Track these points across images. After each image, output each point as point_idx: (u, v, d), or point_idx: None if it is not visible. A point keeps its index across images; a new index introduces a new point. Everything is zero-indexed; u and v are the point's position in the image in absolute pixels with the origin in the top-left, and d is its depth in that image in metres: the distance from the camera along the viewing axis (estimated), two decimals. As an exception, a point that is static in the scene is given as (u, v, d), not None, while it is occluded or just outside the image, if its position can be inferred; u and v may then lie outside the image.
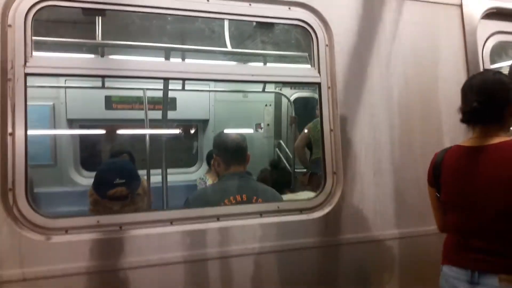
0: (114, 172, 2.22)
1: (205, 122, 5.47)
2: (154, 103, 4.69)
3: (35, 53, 1.79)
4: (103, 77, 1.95)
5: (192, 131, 5.71)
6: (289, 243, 2.13)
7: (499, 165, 1.74)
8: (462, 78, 2.50)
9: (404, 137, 2.38)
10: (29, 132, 1.75)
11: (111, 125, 4.92)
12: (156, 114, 4.63)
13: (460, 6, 2.56)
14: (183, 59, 3.02)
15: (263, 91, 4.87)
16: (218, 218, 2.05)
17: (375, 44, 2.35)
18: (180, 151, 5.60)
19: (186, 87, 4.40)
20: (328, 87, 2.24)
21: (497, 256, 1.75)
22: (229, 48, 2.49)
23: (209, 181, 4.91)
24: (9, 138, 1.71)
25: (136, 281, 1.88)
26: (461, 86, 1.93)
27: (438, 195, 1.98)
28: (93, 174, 4.89)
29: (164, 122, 4.30)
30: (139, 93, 4.40)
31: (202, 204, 2.36)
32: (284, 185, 3.33)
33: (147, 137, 4.09)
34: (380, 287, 2.33)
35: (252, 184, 2.49)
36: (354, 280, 2.26)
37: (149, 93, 4.33)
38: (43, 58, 1.81)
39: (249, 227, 2.08)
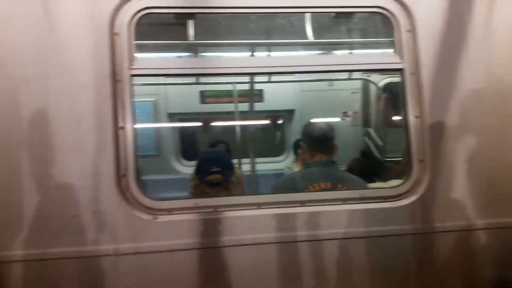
0: (212, 160, 2.47)
1: (291, 112, 5.58)
2: (244, 96, 4.93)
3: (138, 56, 2.05)
4: (198, 75, 2.16)
5: (279, 122, 5.86)
6: (373, 230, 2.15)
7: None
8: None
9: (497, 123, 2.23)
10: (136, 125, 2.03)
11: (206, 118, 5.29)
12: (246, 107, 4.87)
13: None
14: (268, 54, 3.16)
15: (349, 78, 4.81)
16: (303, 203, 2.15)
17: (462, 26, 2.22)
18: (267, 141, 5.80)
19: (272, 79, 4.54)
20: (412, 73, 2.19)
21: None
22: (310, 39, 2.56)
23: (296, 170, 5.04)
24: (120, 131, 2.00)
25: (229, 259, 2.06)
26: None
27: None
28: (192, 163, 5.39)
29: (252, 114, 4.51)
30: (230, 87, 4.66)
31: (287, 189, 2.49)
32: (374, 174, 3.31)
33: (237, 128, 4.33)
34: (469, 276, 2.23)
35: (337, 173, 2.56)
36: (439, 269, 2.20)
37: (239, 87, 4.57)
38: (145, 60, 2.08)
39: (333, 214, 2.14)
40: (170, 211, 2.04)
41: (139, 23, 2.04)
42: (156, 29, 2.44)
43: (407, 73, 2.19)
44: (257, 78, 4.24)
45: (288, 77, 4.88)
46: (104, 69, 1.98)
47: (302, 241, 2.12)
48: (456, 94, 2.21)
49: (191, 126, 5.61)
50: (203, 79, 4.52)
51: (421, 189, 2.18)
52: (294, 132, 5.43)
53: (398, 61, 2.20)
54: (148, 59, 2.12)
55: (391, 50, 2.27)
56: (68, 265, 1.96)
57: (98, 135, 1.97)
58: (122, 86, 2.00)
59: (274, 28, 2.94)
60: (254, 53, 2.68)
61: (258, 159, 4.91)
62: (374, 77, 5.17)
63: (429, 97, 2.19)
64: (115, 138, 1.99)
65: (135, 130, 2.03)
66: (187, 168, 5.42)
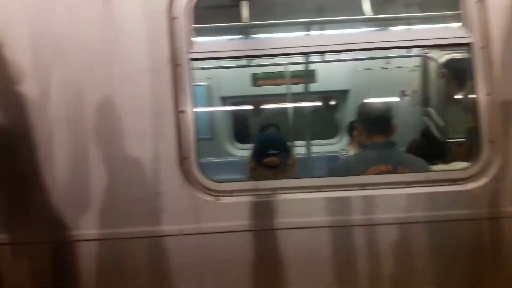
0: (269, 143, 2.48)
1: (345, 92, 5.43)
2: (296, 77, 4.87)
3: (196, 39, 2.07)
4: (256, 57, 2.16)
5: (332, 103, 5.74)
6: (439, 214, 2.07)
7: None
8: None
9: None
10: (196, 109, 2.07)
11: (258, 101, 5.30)
12: (298, 88, 4.81)
13: None
14: (323, 32, 3.07)
15: (408, 55, 4.58)
16: (363, 186, 2.10)
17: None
18: (320, 123, 5.70)
19: (326, 58, 4.43)
20: (482, 47, 2.04)
21: None
22: (369, 15, 2.45)
23: (351, 153, 4.92)
24: (181, 115, 2.05)
25: (286, 241, 2.08)
26: None
27: None
28: (245, 146, 5.44)
29: (304, 95, 4.45)
30: (281, 69, 4.61)
31: (345, 172, 2.44)
32: (436, 156, 3.16)
33: (290, 110, 4.29)
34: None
35: (397, 154, 2.47)
36: (509, 257, 2.08)
37: (291, 68, 4.51)
38: (203, 44, 2.10)
39: (396, 197, 2.08)
40: (230, 192, 2.08)
41: (196, 6, 2.05)
42: (211, 12, 2.44)
43: (477, 48, 2.04)
44: (310, 58, 4.14)
45: (341, 56, 4.72)
46: (163, 54, 2.03)
47: (363, 225, 2.08)
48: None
49: (244, 110, 5.64)
50: (254, 62, 4.50)
51: (491, 172, 2.06)
52: (348, 113, 5.29)
53: (466, 35, 2.06)
54: (206, 42, 2.14)
55: (457, 24, 2.13)
56: (135, 244, 2.06)
57: (160, 119, 2.04)
58: (181, 70, 2.04)
59: (330, 5, 2.85)
60: (308, 32, 2.61)
61: (311, 142, 4.86)
62: (434, 53, 4.88)
63: (500, 73, 2.04)
64: (176, 121, 2.04)
65: (195, 113, 2.07)
66: (240, 151, 5.49)
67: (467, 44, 2.07)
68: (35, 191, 2.03)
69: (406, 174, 2.24)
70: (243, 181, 2.24)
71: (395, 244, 2.09)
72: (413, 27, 2.99)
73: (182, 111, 2.05)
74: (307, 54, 3.20)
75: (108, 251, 2.07)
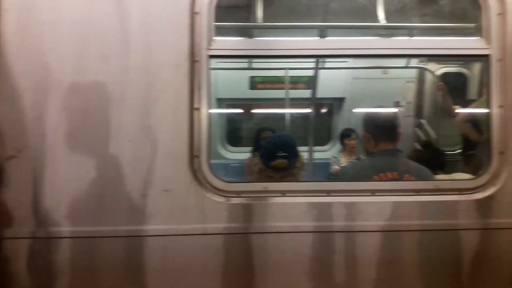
0: (279, 145, 2.45)
1: (340, 100, 5.47)
2: (294, 82, 4.87)
3: (216, 38, 2.03)
4: (274, 57, 2.14)
5: (327, 110, 5.76)
6: (446, 223, 2.08)
7: None
8: None
9: None
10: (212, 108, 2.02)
11: (255, 104, 5.27)
12: (295, 93, 4.81)
13: None
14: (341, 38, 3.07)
15: (406, 66, 4.65)
16: (373, 192, 2.09)
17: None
18: (315, 129, 5.71)
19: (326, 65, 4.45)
20: (499, 59, 2.07)
21: None
22: (383, 23, 2.47)
23: (343, 160, 4.95)
24: (195, 112, 2.00)
25: (296, 244, 2.04)
26: None
27: None
28: (238, 149, 5.41)
29: (301, 101, 4.45)
30: (281, 74, 4.60)
31: (352, 178, 2.44)
32: (437, 166, 3.19)
33: (287, 115, 4.28)
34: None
35: (404, 162, 2.48)
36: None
37: (290, 73, 4.50)
38: (223, 41, 2.06)
39: (404, 204, 2.08)
40: (239, 193, 2.04)
41: (218, 5, 2.02)
42: (231, 11, 2.42)
43: (494, 60, 2.07)
44: (309, 64, 4.15)
45: (341, 64, 4.75)
46: (182, 48, 1.98)
47: (372, 231, 2.07)
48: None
49: (239, 112, 5.61)
50: (254, 64, 4.48)
51: (500, 182, 2.08)
52: (343, 121, 5.33)
53: (485, 46, 2.08)
54: (226, 40, 2.10)
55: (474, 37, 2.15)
56: (140, 242, 1.99)
57: (174, 114, 1.98)
58: (199, 67, 1.99)
59: (347, 11, 2.86)
60: (323, 37, 2.61)
61: (304, 148, 4.86)
62: (431, 66, 4.97)
63: (513, 86, 2.07)
64: (190, 118, 1.99)
65: (210, 111, 2.02)
66: (233, 154, 5.46)
67: (485, 56, 2.09)
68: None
69: (416, 182, 2.24)
70: (252, 182, 2.20)
71: (402, 252, 2.08)
72: (430, 37, 3.01)
73: (197, 108, 2.00)
74: (323, 57, 3.20)
75: (110, 248, 1.99)
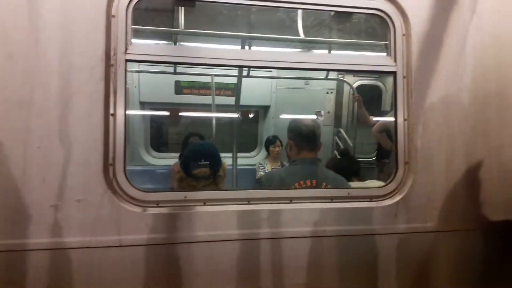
0: (201, 153, 2.42)
1: (266, 108, 5.58)
2: (220, 88, 4.87)
3: (134, 41, 1.96)
4: (194, 64, 2.10)
5: (253, 117, 5.85)
6: (358, 229, 2.20)
7: None
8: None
9: (479, 128, 2.34)
10: (128, 112, 1.94)
11: (180, 109, 5.17)
12: (221, 100, 4.82)
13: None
14: (257, 48, 3.14)
15: (326, 78, 4.88)
16: (291, 200, 2.15)
17: (452, 33, 2.30)
18: (241, 136, 5.77)
19: (252, 74, 4.52)
20: (404, 76, 2.24)
21: None
22: (304, 37, 2.56)
23: (268, 167, 5.06)
24: (111, 119, 1.90)
25: (217, 254, 2.04)
26: None
27: None
28: (162, 154, 5.26)
29: (227, 108, 4.47)
30: (207, 79, 4.58)
31: (274, 185, 2.49)
32: (353, 173, 3.38)
33: (213, 121, 4.26)
34: (441, 278, 2.33)
35: (322, 170, 2.58)
36: (419, 269, 2.28)
37: (216, 80, 4.50)
38: (141, 46, 1.98)
39: (320, 211, 2.16)
40: (157, 203, 1.98)
41: (136, 8, 1.95)
42: (150, 15, 2.35)
43: (399, 77, 2.24)
44: (235, 72, 4.18)
45: (265, 73, 4.86)
46: (97, 51, 1.88)
47: (288, 237, 2.12)
48: (442, 99, 2.29)
49: (163, 117, 5.48)
50: (180, 69, 4.41)
51: (405, 190, 2.24)
52: (268, 128, 5.44)
53: (392, 64, 2.25)
54: (144, 44, 2.03)
55: (382, 54, 2.32)
56: (51, 256, 1.85)
57: (88, 120, 1.87)
58: (115, 71, 1.91)
59: (266, 23, 2.92)
60: (243, 47, 2.64)
61: (229, 154, 4.88)
62: (348, 79, 5.27)
63: (416, 101, 2.25)
64: (105, 125, 1.89)
65: (126, 117, 1.94)
66: (156, 160, 5.31)
67: (392, 72, 2.25)
68: None
69: (331, 190, 2.35)
70: (171, 191, 2.15)
71: (318, 257, 2.16)
72: (344, 52, 3.19)
73: (113, 114, 1.91)
74: (242, 67, 3.22)
75: (14, 263, 1.83)
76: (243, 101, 5.23)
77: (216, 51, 2.17)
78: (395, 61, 2.25)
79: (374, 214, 2.22)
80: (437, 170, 2.28)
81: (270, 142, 5.11)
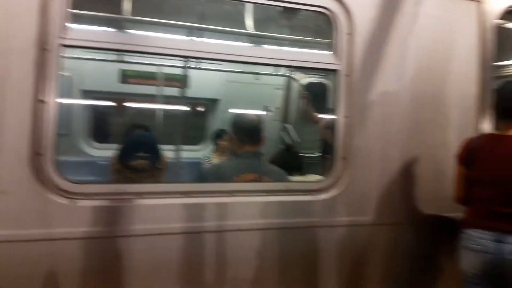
0: (139, 145, 2.33)
1: (215, 101, 5.52)
2: (167, 79, 4.75)
3: (71, 25, 1.85)
4: (134, 52, 2.02)
5: (202, 110, 5.77)
6: (295, 222, 2.24)
7: None
8: (473, 74, 2.56)
9: (413, 127, 2.45)
10: (60, 100, 1.83)
11: (125, 99, 4.99)
12: (169, 91, 4.70)
13: (479, 2, 2.59)
14: (201, 39, 3.09)
15: (275, 74, 4.91)
16: (231, 193, 2.14)
17: (393, 36, 2.39)
18: (188, 129, 5.67)
19: (200, 66, 4.44)
20: (346, 75, 2.30)
21: None
22: (250, 30, 2.55)
23: (215, 160, 5.01)
24: (41, 105, 1.79)
25: (151, 248, 1.99)
26: (471, 81, 2.46)
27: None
28: (104, 146, 5.05)
29: (176, 99, 4.38)
30: (154, 69, 4.44)
31: (215, 179, 2.47)
32: (295, 168, 3.42)
33: (159, 112, 4.15)
34: (376, 269, 2.43)
35: (264, 164, 2.59)
36: (355, 260, 2.37)
37: (164, 70, 4.38)
38: (78, 31, 1.88)
39: (259, 204, 2.18)
40: (89, 195, 1.90)
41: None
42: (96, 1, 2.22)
43: (342, 75, 2.29)
44: (184, 63, 4.09)
45: (215, 66, 4.80)
46: (30, 34, 1.76)
47: (229, 230, 2.12)
48: (381, 98, 2.38)
49: (107, 107, 5.25)
50: (126, 57, 4.24)
51: (342, 185, 2.31)
52: (216, 122, 5.39)
53: (335, 62, 2.29)
54: (83, 29, 1.92)
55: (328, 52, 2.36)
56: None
57: (16, 106, 1.75)
58: (48, 56, 1.79)
59: (214, 14, 2.87)
60: (188, 37, 2.58)
61: (177, 147, 4.79)
62: (297, 76, 5.34)
63: (357, 99, 2.32)
64: (34, 112, 1.78)
65: (58, 105, 1.83)
66: (98, 151, 5.09)
67: (335, 70, 2.30)
68: None
69: (269, 183, 2.37)
70: (104, 183, 2.06)
71: (257, 250, 2.18)
72: (290, 48, 3.21)
73: (42, 101, 1.79)
74: (185, 57, 3.15)
75: None
76: (191, 93, 5.15)
77: (162, 40, 2.11)
78: (338, 59, 2.29)
79: (312, 208, 2.27)
80: (373, 166, 2.37)
81: (218, 135, 5.06)
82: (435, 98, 2.51)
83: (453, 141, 2.49)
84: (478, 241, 2.24)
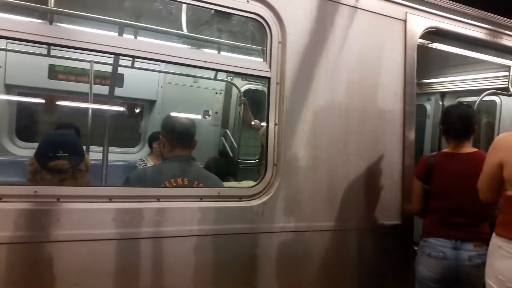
0: (59, 144, 2.18)
1: (151, 103, 5.37)
2: (100, 77, 4.54)
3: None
4: (48, 44, 1.89)
5: (137, 111, 5.60)
6: (226, 228, 2.22)
7: (473, 166, 2.52)
8: (399, 87, 2.72)
9: (341, 137, 2.54)
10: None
11: (54, 96, 4.69)
12: (101, 89, 4.50)
13: (405, 21, 2.75)
14: (135, 37, 2.99)
15: (215, 78, 4.88)
16: (158, 198, 2.08)
17: (324, 47, 2.47)
18: (122, 130, 5.47)
19: (136, 65, 4.29)
20: (277, 83, 2.33)
21: (473, 228, 2.53)
22: (184, 31, 2.51)
23: (150, 163, 4.88)
24: None
25: (72, 254, 1.88)
26: (398, 95, 2.66)
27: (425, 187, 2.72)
28: (29, 144, 4.71)
29: (109, 98, 4.20)
30: (86, 66, 4.23)
31: (142, 183, 2.38)
32: (230, 174, 3.42)
33: (90, 112, 3.96)
34: (306, 275, 2.48)
35: (195, 169, 2.55)
36: (282, 266, 2.39)
37: (96, 67, 4.19)
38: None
39: (189, 210, 2.13)
40: (6, 197, 1.76)
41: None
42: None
43: (273, 83, 2.32)
44: (120, 62, 3.93)
45: (152, 66, 4.66)
46: None
47: (155, 237, 2.06)
48: (311, 108, 2.44)
49: (33, 103, 4.90)
50: (56, 52, 3.98)
51: (272, 191, 2.33)
52: (153, 124, 5.25)
53: (267, 69, 2.32)
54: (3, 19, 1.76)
55: (260, 59, 2.38)
56: None
57: None
58: None
59: (149, 13, 2.79)
60: (121, 34, 2.48)
61: (110, 149, 4.58)
62: (237, 82, 5.35)
63: (287, 107, 2.36)
64: None
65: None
66: (22, 150, 4.74)
67: (267, 78, 2.33)
68: None
69: (200, 189, 2.33)
70: (20, 184, 1.92)
71: (185, 256, 2.13)
72: (228, 54, 3.20)
73: None
74: (115, 54, 3.03)
75: None
76: (127, 93, 4.97)
77: (89, 35, 2.00)
78: (270, 67, 2.32)
79: (243, 214, 2.27)
80: (303, 174, 2.43)
81: (154, 138, 4.92)
82: (364, 110, 2.62)
83: (380, 151, 2.63)
84: (438, 248, 2.50)
